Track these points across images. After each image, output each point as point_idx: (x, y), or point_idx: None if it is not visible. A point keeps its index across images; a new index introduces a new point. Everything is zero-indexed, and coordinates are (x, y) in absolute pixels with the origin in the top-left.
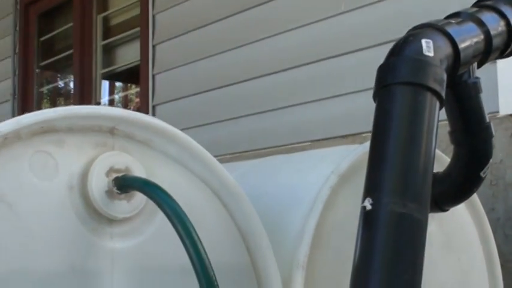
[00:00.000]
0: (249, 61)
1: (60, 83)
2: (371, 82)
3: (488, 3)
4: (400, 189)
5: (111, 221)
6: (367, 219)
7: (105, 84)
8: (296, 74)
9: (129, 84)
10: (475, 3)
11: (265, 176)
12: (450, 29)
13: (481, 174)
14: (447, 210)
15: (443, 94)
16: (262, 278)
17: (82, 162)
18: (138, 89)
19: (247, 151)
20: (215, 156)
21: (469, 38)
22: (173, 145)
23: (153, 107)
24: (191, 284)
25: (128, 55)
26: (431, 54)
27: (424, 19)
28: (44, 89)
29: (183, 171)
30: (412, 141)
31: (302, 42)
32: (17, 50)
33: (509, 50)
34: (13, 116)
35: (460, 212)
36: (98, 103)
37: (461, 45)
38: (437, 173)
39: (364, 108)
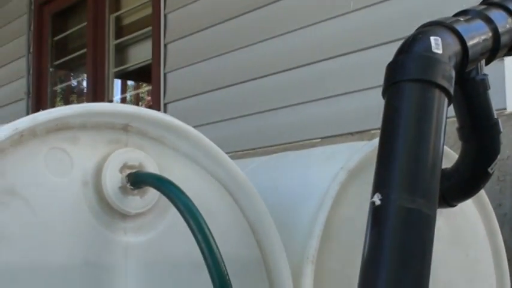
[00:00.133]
0: (260, 59)
1: (74, 82)
2: (380, 80)
3: (496, 0)
4: (409, 184)
5: (124, 216)
6: (376, 214)
7: (118, 82)
8: (306, 71)
9: (141, 83)
10: (483, 0)
11: (275, 172)
12: (459, 27)
13: (489, 170)
14: (455, 205)
15: (451, 91)
16: (272, 272)
17: (96, 158)
18: (149, 88)
19: (257, 148)
20: (226, 153)
21: (477, 36)
22: (185, 142)
23: (165, 105)
24: (203, 278)
25: (139, 54)
26: (440, 51)
27: (432, 17)
28: (58, 88)
29: (195, 167)
30: (420, 138)
31: (312, 41)
32: (31, 50)
33: None
34: (27, 114)
35: (468, 207)
36: (111, 101)
37: (470, 43)
38: (446, 168)
39: (374, 105)
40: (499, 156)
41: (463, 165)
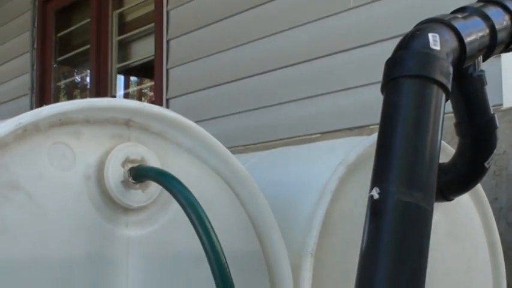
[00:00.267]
0: (261, 55)
1: (77, 78)
2: (379, 76)
3: None
4: (407, 179)
5: (126, 209)
6: (375, 208)
7: (121, 78)
8: (306, 68)
9: (143, 79)
10: None
11: (275, 166)
12: (456, 23)
13: (485, 164)
14: (452, 199)
15: (449, 87)
16: (272, 265)
17: (99, 153)
18: (152, 83)
19: (258, 143)
20: (227, 148)
21: (474, 32)
22: (187, 136)
23: (167, 100)
24: (204, 271)
25: (142, 50)
26: (438, 47)
27: (431, 14)
28: (61, 83)
29: (197, 161)
30: (418, 133)
31: (312, 37)
32: (35, 46)
33: None
34: (31, 109)
35: (465, 201)
36: (113, 97)
37: (467, 39)
38: (443, 163)
39: (373, 101)
40: (495, 151)
41: (460, 160)
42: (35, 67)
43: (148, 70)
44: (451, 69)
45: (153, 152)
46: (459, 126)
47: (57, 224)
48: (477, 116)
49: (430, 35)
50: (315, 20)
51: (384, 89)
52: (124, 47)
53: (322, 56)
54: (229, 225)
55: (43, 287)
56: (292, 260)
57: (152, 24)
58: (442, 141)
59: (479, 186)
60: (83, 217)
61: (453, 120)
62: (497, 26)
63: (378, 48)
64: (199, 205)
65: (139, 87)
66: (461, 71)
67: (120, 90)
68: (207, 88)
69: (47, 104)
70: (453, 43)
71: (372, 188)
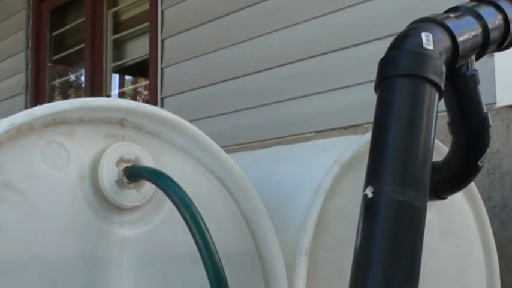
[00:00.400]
0: (255, 54)
1: (72, 77)
2: (373, 75)
3: None
4: (400, 177)
5: (120, 209)
6: (368, 206)
7: (115, 77)
8: (301, 67)
9: (138, 78)
10: None
11: (270, 165)
12: (449, 23)
13: (479, 163)
14: (446, 198)
15: (442, 86)
16: (266, 264)
17: (93, 152)
18: (147, 82)
19: (252, 142)
20: (222, 147)
21: (467, 32)
22: (181, 136)
23: (162, 99)
24: (199, 270)
25: (137, 49)
26: (431, 47)
27: (424, 13)
28: (56, 83)
29: (191, 161)
30: (412, 132)
31: (306, 36)
32: (29, 45)
33: (506, 42)
34: (26, 108)
35: (458, 200)
36: (108, 96)
37: (460, 39)
38: (436, 162)
39: (366, 99)
40: (488, 150)
41: (453, 159)
42: (29, 66)
43: (143, 69)
44: (444, 69)
45: (148, 151)
46: (452, 125)
47: (52, 224)
48: (470, 115)
49: (423, 34)
50: (310, 19)
51: (378, 88)
52: (119, 46)
53: (317, 55)
54: (223, 225)
55: (37, 286)
56: (287, 259)
57: (147, 23)
58: (436, 140)
59: (472, 184)
60: (77, 217)
61: (446, 119)
62: (490, 26)
63: (372, 47)
64: (194, 204)
65: (134, 86)
66: (454, 70)
67: (115, 89)
68: (202, 87)
69: (41, 103)
70: (446, 42)
71: (365, 187)
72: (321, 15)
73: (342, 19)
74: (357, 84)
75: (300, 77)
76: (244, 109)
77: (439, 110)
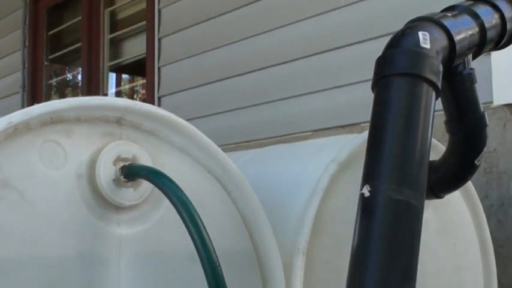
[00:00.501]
0: (252, 53)
1: (69, 76)
2: (370, 74)
3: None
4: (397, 176)
5: (118, 208)
6: (365, 205)
7: (112, 76)
8: (298, 66)
9: (135, 77)
10: None
11: (267, 164)
12: (446, 22)
13: (476, 162)
14: (443, 197)
15: (439, 85)
16: (264, 263)
17: (90, 151)
18: (144, 81)
19: (249, 141)
20: (219, 146)
21: (464, 31)
22: (178, 135)
23: (159, 98)
24: (196, 269)
25: (134, 48)
26: (428, 46)
27: (421, 12)
28: (53, 81)
29: (188, 160)
30: (409, 131)
31: (303, 35)
32: (26, 44)
33: (503, 41)
34: (23, 107)
35: (455, 198)
36: (105, 95)
37: (457, 38)
38: (433, 161)
39: (364, 99)
40: (485, 149)
41: (450, 158)
42: (26, 65)
43: (140, 68)
44: (441, 67)
45: (145, 150)
46: (449, 124)
47: (49, 223)
48: (467, 114)
49: (420, 33)
50: (306, 18)
51: (375, 87)
52: (116, 45)
53: (314, 54)
54: (220, 224)
55: (35, 285)
56: (284, 258)
57: (144, 22)
58: (433, 139)
59: (469, 183)
60: (74, 216)
61: (443, 118)
62: (486, 25)
63: (369, 46)
64: (191, 203)
65: (131, 85)
66: (451, 69)
67: (112, 88)
68: (199, 86)
69: (38, 102)
70: (443, 41)
71: (362, 186)
72: (318, 14)
73: (339, 18)
74: (353, 83)
75: (297, 76)
76: (241, 108)
77: (436, 109)
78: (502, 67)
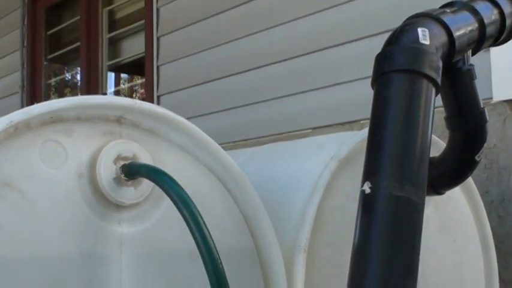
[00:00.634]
0: (252, 52)
1: (67, 75)
2: (369, 71)
3: None
4: (398, 173)
5: (119, 207)
6: (366, 202)
7: (111, 75)
8: (297, 63)
9: (134, 76)
10: None
11: (267, 162)
12: (445, 18)
13: (476, 158)
14: (443, 193)
15: (439, 81)
16: (265, 261)
17: (90, 150)
18: (143, 80)
19: (249, 139)
20: (218, 144)
21: (463, 27)
22: (178, 133)
23: (158, 97)
24: (197, 267)
25: (133, 47)
26: (427, 42)
27: (420, 9)
28: (52, 81)
29: (189, 158)
30: (409, 127)
31: (302, 33)
32: (25, 43)
33: (502, 37)
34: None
35: (456, 195)
36: (104, 94)
37: (456, 34)
38: (434, 157)
39: (363, 96)
40: (485, 145)
41: (450, 154)
42: (25, 65)
43: (139, 67)
44: (440, 64)
45: (145, 148)
46: (449, 120)
47: (50, 222)
48: (467, 110)
49: (419, 29)
50: (305, 16)
51: (374, 84)
52: (114, 44)
53: (313, 52)
54: (221, 222)
55: (36, 285)
56: (285, 255)
57: (142, 21)
58: (433, 135)
59: (470, 179)
60: (75, 215)
61: (443, 114)
62: (486, 20)
63: (368, 43)
64: (192, 202)
65: (130, 84)
66: (450, 65)
67: (111, 88)
68: (198, 85)
69: (37, 102)
70: (442, 37)
71: (363, 183)
72: (316, 12)
73: (338, 15)
74: (353, 81)
75: (296, 74)
76: (241, 106)
77: (436, 105)
78: (501, 63)
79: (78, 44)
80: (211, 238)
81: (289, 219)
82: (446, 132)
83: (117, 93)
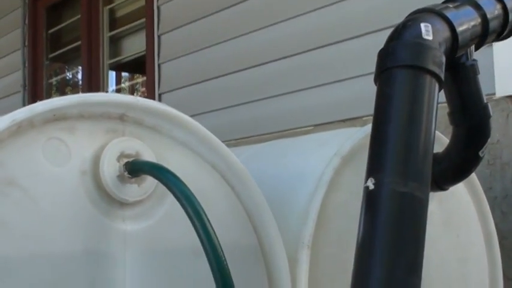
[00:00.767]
0: (252, 49)
1: (69, 74)
2: (372, 67)
3: None
4: (402, 169)
5: (122, 204)
6: (370, 198)
7: (112, 74)
8: (298, 61)
9: (135, 74)
10: None
11: (270, 159)
12: (448, 13)
13: (479, 153)
14: (447, 189)
15: (442, 76)
16: (268, 257)
17: (94, 148)
18: (144, 79)
19: (252, 136)
20: (221, 141)
21: (466, 22)
22: (181, 130)
23: (159, 95)
24: (201, 264)
25: (134, 45)
26: (430, 37)
27: (423, 4)
28: (53, 80)
29: (192, 155)
30: (412, 123)
31: (303, 30)
32: (26, 43)
33: (505, 32)
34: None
35: (459, 190)
36: (106, 92)
37: (459, 29)
38: (437, 153)
39: (365, 92)
40: (489, 140)
41: (454, 150)
42: (26, 64)
43: (140, 65)
44: (443, 59)
45: (148, 146)
46: (453, 115)
47: (54, 220)
48: (471, 105)
49: (422, 25)
50: (306, 13)
51: (377, 80)
52: (115, 42)
53: (315, 48)
54: (225, 218)
55: (40, 282)
56: (289, 252)
57: (143, 20)
58: (436, 131)
59: (473, 175)
60: (79, 212)
61: (447, 110)
62: (489, 15)
63: (370, 39)
64: (196, 198)
65: (131, 82)
66: (453, 60)
67: (112, 86)
68: (199, 82)
69: (39, 101)
70: (445, 33)
71: (367, 179)
72: (317, 9)
73: (339, 12)
74: (355, 77)
75: (297, 71)
76: (242, 104)
77: (439, 101)
78: (504, 58)
79: (79, 42)
80: (216, 235)
81: (293, 216)
82: (450, 128)
83: (118, 91)
